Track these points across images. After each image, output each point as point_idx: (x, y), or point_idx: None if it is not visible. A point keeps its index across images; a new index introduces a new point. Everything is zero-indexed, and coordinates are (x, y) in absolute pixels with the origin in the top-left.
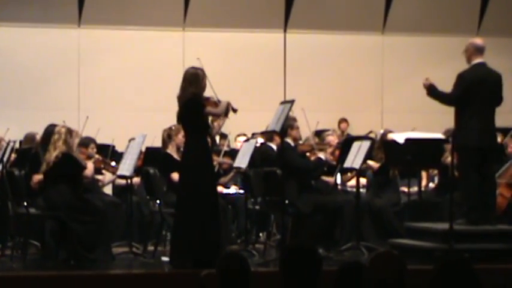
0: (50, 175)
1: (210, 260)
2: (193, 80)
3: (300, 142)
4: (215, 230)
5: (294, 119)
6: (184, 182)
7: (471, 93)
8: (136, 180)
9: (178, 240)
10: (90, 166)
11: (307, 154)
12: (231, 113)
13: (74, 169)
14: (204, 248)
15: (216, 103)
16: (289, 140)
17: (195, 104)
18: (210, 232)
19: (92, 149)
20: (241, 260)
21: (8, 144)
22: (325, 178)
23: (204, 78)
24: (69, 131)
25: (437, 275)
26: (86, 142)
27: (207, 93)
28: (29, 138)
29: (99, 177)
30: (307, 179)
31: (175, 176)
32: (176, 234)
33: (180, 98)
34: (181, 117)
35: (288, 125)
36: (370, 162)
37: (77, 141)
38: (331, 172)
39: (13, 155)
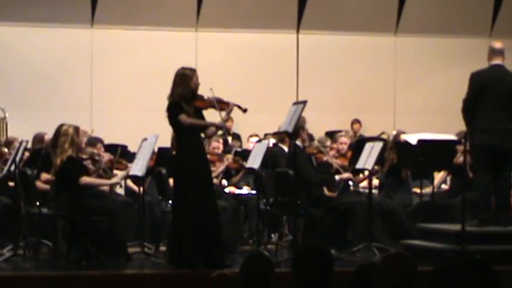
0: (58, 178)
1: (214, 260)
2: (180, 81)
3: (306, 144)
4: (215, 228)
5: (304, 121)
6: (177, 183)
7: (481, 93)
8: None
9: (173, 241)
10: (86, 179)
11: (314, 157)
12: (238, 113)
13: (77, 175)
14: (205, 248)
15: (211, 102)
16: (298, 143)
17: (173, 109)
18: (210, 231)
19: (99, 149)
20: (266, 260)
21: (20, 144)
22: (327, 193)
23: (194, 77)
24: (77, 130)
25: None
26: (93, 142)
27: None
28: (38, 138)
29: (104, 188)
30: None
31: (171, 181)
32: (171, 234)
33: (169, 99)
34: (168, 118)
35: (300, 126)
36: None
37: (84, 140)
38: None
39: (26, 154)
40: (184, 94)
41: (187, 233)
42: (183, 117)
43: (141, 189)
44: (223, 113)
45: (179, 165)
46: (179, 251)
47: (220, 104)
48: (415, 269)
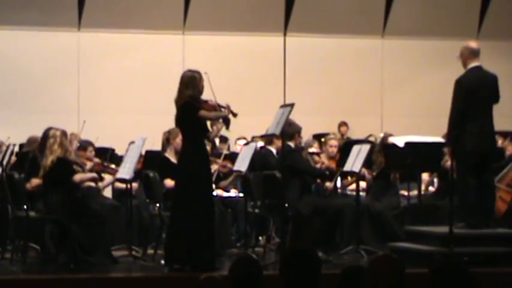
0: (47, 180)
1: (205, 263)
2: (190, 83)
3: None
4: (209, 233)
5: (300, 127)
6: (181, 184)
7: (469, 98)
8: (134, 184)
9: (172, 243)
10: (80, 176)
11: None
12: (231, 118)
13: (69, 173)
14: (198, 252)
15: (214, 106)
16: (291, 144)
17: (190, 107)
18: (204, 235)
19: (90, 152)
20: (254, 263)
21: (7, 147)
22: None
23: (201, 81)
24: (64, 134)
25: (434, 278)
26: (84, 145)
27: (207, 96)
28: (32, 141)
29: (99, 184)
30: (308, 180)
31: (168, 182)
32: (171, 236)
33: (177, 101)
34: (178, 120)
35: (296, 131)
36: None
37: (75, 143)
38: (331, 177)
39: (13, 158)
40: (195, 96)
41: (185, 234)
42: (203, 112)
43: (129, 188)
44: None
45: (182, 168)
46: (174, 253)
47: (220, 108)
48: (403, 271)
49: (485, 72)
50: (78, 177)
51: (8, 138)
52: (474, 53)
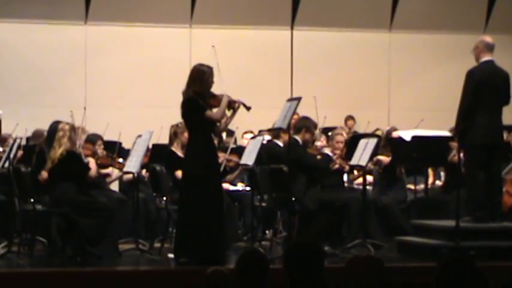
0: (54, 172)
1: (213, 256)
2: (198, 78)
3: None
4: (218, 227)
5: (315, 126)
6: (187, 178)
7: (480, 91)
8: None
9: (181, 237)
10: (92, 165)
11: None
12: (243, 110)
13: (78, 166)
14: (207, 245)
15: (222, 100)
16: (297, 138)
17: (195, 106)
18: (213, 229)
19: (99, 146)
20: (261, 257)
21: (14, 141)
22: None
23: (211, 76)
24: (73, 128)
25: (441, 273)
26: (93, 139)
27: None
28: (37, 134)
29: (107, 170)
30: (315, 175)
31: (179, 173)
32: (179, 230)
33: (183, 94)
34: (182, 113)
35: (306, 126)
36: (381, 157)
37: (83, 137)
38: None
39: (20, 152)
40: (201, 91)
41: (194, 228)
42: (209, 114)
43: (137, 180)
44: (230, 112)
45: (188, 162)
46: (183, 247)
47: (230, 102)
48: (382, 272)
49: (497, 67)
50: (93, 172)
51: (17, 125)
52: (489, 48)
